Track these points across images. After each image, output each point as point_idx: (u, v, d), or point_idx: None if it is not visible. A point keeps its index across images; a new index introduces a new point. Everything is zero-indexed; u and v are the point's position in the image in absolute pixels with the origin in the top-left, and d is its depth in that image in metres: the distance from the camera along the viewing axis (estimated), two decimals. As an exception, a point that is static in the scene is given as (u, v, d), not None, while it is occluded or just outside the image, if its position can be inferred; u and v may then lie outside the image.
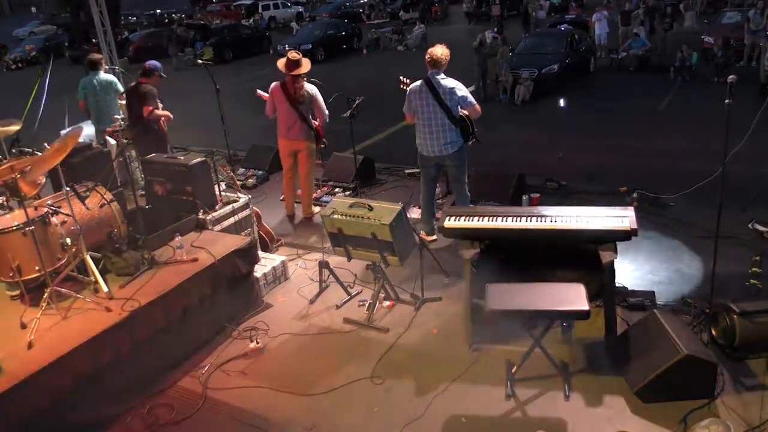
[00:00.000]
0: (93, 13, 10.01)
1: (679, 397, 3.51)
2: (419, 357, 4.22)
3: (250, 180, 7.90)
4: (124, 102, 7.24)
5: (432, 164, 5.64)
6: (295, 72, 6.06)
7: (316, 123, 6.39)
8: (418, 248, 4.79)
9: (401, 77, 5.84)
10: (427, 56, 5.36)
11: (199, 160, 5.27)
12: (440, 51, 5.35)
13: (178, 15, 37.65)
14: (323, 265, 5.09)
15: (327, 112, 6.32)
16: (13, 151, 5.45)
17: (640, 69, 14.47)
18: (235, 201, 5.49)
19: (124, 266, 4.39)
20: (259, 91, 6.80)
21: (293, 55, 6.11)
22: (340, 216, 4.45)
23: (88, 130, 7.53)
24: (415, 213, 6.30)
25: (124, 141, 5.19)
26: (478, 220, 4.21)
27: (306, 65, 6.13)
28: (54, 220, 4.17)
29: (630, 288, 4.67)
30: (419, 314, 4.70)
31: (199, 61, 8.43)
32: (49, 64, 5.11)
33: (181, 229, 4.93)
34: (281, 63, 6.14)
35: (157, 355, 4.13)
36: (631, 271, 4.97)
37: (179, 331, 4.29)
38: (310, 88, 6.21)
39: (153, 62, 6.87)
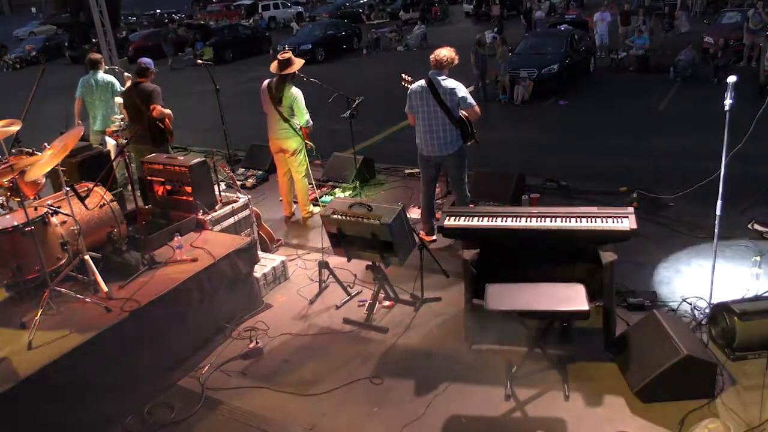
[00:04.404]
0: (93, 13, 10.01)
1: (679, 397, 3.51)
2: (419, 357, 4.22)
3: (250, 180, 7.89)
4: (121, 101, 7.21)
5: (432, 164, 5.64)
6: (286, 72, 6.07)
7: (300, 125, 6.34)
8: (418, 248, 4.79)
9: (403, 74, 5.84)
10: (432, 56, 5.38)
11: (199, 160, 5.27)
12: (445, 52, 5.35)
13: (178, 15, 37.64)
14: (323, 265, 5.09)
15: (307, 116, 6.22)
16: (13, 151, 5.44)
17: (640, 69, 14.46)
18: (235, 201, 5.49)
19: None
20: None
21: (283, 55, 6.13)
22: (340, 216, 4.45)
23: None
24: (415, 213, 6.30)
25: (124, 141, 5.18)
26: (478, 220, 4.21)
27: (296, 64, 6.13)
28: (54, 220, 4.17)
29: (630, 288, 4.67)
30: (419, 314, 4.70)
31: (199, 61, 8.42)
32: (42, 68, 5.08)
33: (181, 229, 4.93)
34: (273, 65, 6.17)
35: (157, 355, 4.12)
36: (631, 271, 4.97)
37: (179, 331, 4.29)
38: (294, 91, 6.15)
39: (146, 59, 6.84)
